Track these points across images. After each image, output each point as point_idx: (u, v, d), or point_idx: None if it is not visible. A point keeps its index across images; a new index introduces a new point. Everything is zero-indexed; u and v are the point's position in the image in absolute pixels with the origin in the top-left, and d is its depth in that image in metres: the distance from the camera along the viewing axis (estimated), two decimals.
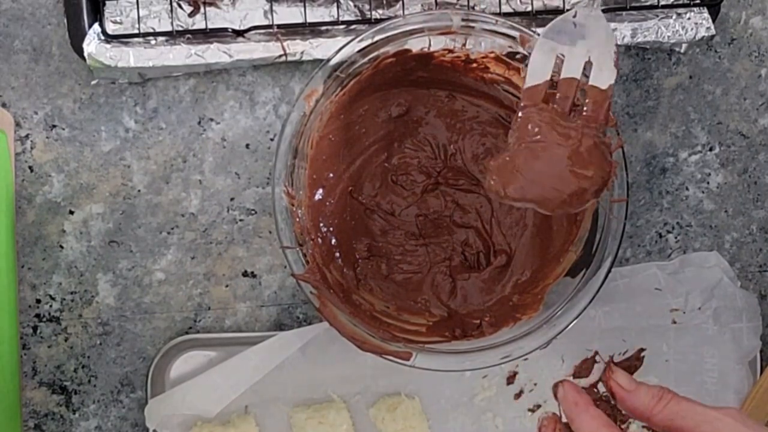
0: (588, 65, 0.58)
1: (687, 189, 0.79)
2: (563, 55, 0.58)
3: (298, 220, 0.68)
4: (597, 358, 0.78)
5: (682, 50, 0.77)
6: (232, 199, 0.77)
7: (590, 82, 0.58)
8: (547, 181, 0.57)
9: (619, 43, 0.74)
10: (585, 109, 0.58)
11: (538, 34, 0.65)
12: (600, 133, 0.57)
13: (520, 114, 0.58)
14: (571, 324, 0.67)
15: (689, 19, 0.74)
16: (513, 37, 0.66)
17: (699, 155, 0.79)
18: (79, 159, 0.76)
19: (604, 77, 0.57)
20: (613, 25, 0.73)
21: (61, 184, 0.76)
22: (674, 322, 0.77)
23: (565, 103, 0.57)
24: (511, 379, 0.77)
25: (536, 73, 0.58)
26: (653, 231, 0.79)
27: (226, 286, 0.78)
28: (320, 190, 0.73)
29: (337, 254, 0.73)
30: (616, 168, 0.62)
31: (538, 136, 0.57)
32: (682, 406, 0.52)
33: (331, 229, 0.73)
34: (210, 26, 0.73)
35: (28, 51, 0.75)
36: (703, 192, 0.79)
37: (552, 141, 0.57)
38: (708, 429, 0.51)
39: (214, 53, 0.73)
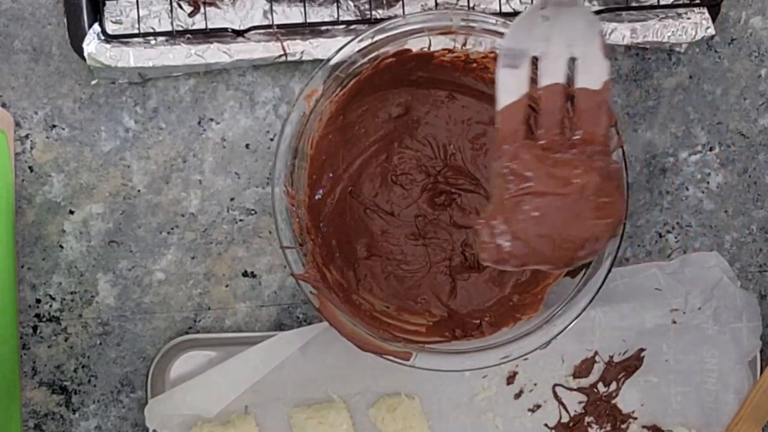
0: (572, 64, 0.46)
1: (687, 189, 0.79)
2: (537, 59, 0.46)
3: (298, 220, 0.68)
4: (597, 358, 0.78)
5: (682, 50, 0.77)
6: (232, 199, 0.77)
7: (578, 85, 0.46)
8: (551, 239, 0.47)
9: (619, 43, 0.74)
10: (578, 124, 0.45)
11: None
12: (605, 156, 0.45)
13: (501, 158, 0.45)
14: (571, 324, 0.67)
15: (689, 19, 0.74)
16: None
17: (699, 155, 0.79)
18: (79, 159, 0.76)
19: (595, 74, 0.45)
20: (613, 24, 0.73)
21: (61, 184, 0.76)
22: (674, 322, 0.77)
23: (551, 121, 0.45)
24: (511, 379, 0.77)
25: (509, 87, 0.45)
26: (653, 231, 0.79)
27: (226, 286, 0.78)
28: (320, 190, 0.73)
29: (337, 254, 0.73)
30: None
31: (530, 184, 0.45)
32: None
33: (331, 229, 0.73)
34: (210, 26, 0.73)
35: (28, 51, 0.75)
36: (703, 192, 0.79)
37: (548, 189, 0.45)
38: None
39: (214, 53, 0.73)
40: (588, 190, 0.45)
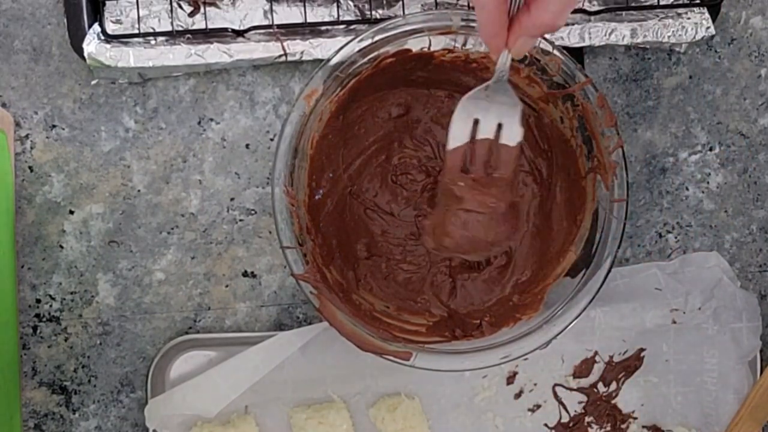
0: (500, 127, 0.66)
1: (687, 189, 0.79)
2: (478, 120, 0.66)
3: (298, 220, 0.68)
4: (597, 358, 0.78)
5: (682, 50, 0.77)
6: (232, 199, 0.77)
7: (501, 141, 0.65)
8: (470, 239, 0.68)
9: (619, 43, 0.74)
10: (497, 167, 0.66)
11: None
12: (511, 191, 0.68)
13: (446, 181, 0.67)
14: (571, 324, 0.67)
15: (689, 19, 0.74)
16: None
17: (699, 155, 0.79)
18: (79, 159, 0.76)
19: (512, 136, 0.65)
20: (613, 24, 0.74)
21: (61, 184, 0.76)
22: (674, 322, 0.77)
23: (480, 162, 0.66)
24: (511, 379, 0.77)
25: (457, 137, 0.66)
26: (653, 231, 0.79)
27: (226, 286, 0.78)
28: (320, 190, 0.73)
29: (337, 254, 0.73)
30: (522, 224, 0.73)
31: (462, 204, 0.67)
32: None
33: (331, 229, 0.73)
34: (210, 26, 0.73)
35: (28, 51, 0.75)
36: (703, 192, 0.79)
37: (474, 209, 0.67)
38: None
39: (214, 53, 0.73)
40: (498, 212, 0.67)
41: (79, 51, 0.72)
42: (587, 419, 0.78)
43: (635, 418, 0.78)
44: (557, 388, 0.78)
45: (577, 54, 0.74)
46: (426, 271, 0.75)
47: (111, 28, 0.73)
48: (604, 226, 0.68)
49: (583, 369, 0.78)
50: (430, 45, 0.69)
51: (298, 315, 0.78)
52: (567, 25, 0.74)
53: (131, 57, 0.72)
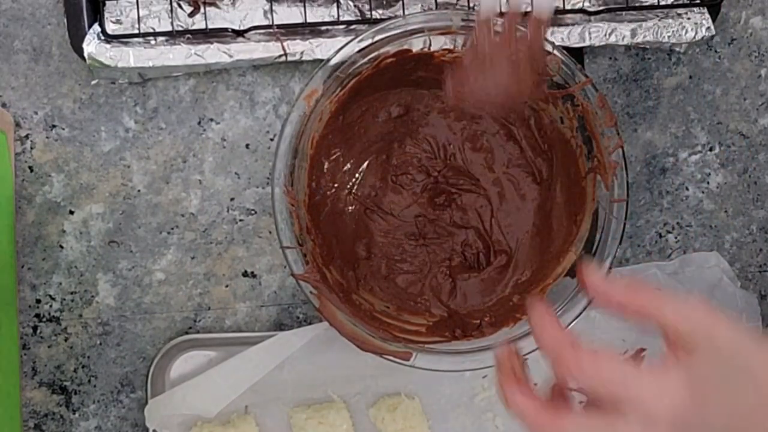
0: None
1: (687, 189, 0.79)
2: None
3: (298, 220, 0.68)
4: None
5: (682, 50, 0.77)
6: (232, 199, 0.77)
7: (534, 13, 0.65)
8: (489, 88, 0.66)
9: (619, 43, 0.74)
10: (526, 33, 0.66)
11: None
12: (532, 52, 0.67)
13: (473, 38, 0.67)
14: (571, 324, 0.67)
15: (689, 19, 0.74)
16: None
17: (699, 155, 0.79)
18: (79, 159, 0.76)
19: (543, 7, 0.65)
20: (613, 24, 0.74)
21: (61, 184, 0.76)
22: None
23: (509, 29, 0.66)
24: None
25: (488, 6, 0.65)
26: (653, 231, 0.79)
27: (226, 286, 0.78)
28: (320, 190, 0.73)
29: (337, 254, 0.73)
30: (545, 80, 0.70)
31: (486, 55, 0.66)
32: (653, 295, 0.53)
33: (331, 229, 0.73)
34: (210, 26, 0.73)
35: (28, 51, 0.75)
36: (703, 192, 0.79)
37: (496, 60, 0.66)
38: (676, 315, 0.52)
39: (214, 53, 0.73)
40: (521, 63, 0.65)
41: (79, 51, 0.72)
42: None
43: None
44: (557, 388, 0.78)
45: (577, 54, 0.74)
46: (426, 271, 0.75)
47: (111, 28, 0.73)
48: (604, 226, 0.68)
49: None
50: (430, 45, 0.69)
51: (298, 315, 0.78)
52: (567, 25, 0.74)
53: (131, 57, 0.72)
